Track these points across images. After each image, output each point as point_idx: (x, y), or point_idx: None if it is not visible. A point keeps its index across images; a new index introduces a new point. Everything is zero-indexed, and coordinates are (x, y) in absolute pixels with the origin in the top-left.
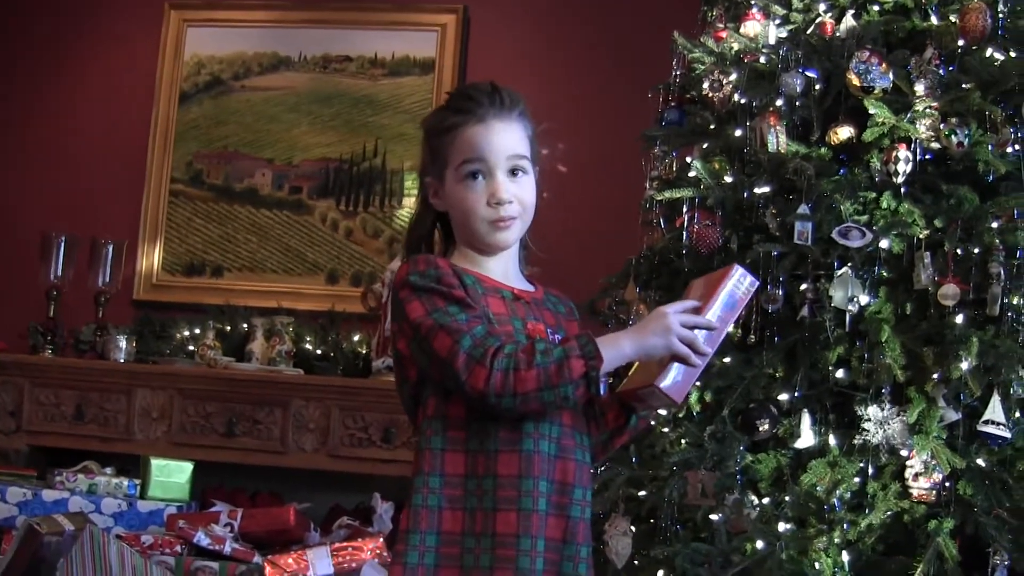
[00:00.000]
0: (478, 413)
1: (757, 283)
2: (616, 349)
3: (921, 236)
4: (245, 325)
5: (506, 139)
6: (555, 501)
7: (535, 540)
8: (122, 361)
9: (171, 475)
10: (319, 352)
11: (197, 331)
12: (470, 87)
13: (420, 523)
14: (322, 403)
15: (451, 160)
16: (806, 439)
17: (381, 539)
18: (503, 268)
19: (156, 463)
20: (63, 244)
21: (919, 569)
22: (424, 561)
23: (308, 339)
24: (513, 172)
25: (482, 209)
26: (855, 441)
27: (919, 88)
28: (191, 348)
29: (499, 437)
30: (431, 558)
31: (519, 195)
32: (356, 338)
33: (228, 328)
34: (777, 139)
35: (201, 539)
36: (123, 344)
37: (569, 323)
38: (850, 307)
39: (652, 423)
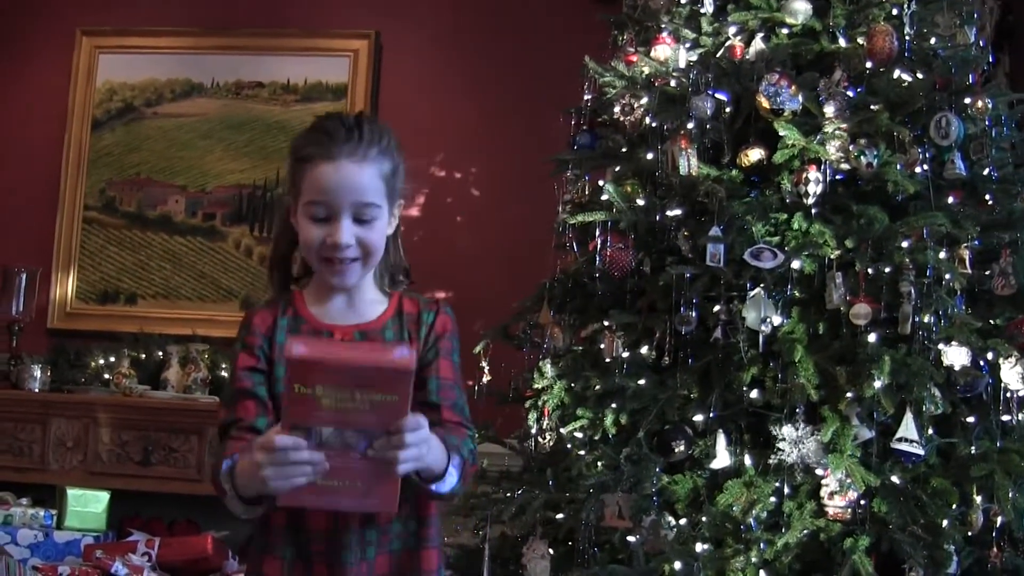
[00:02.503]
0: None
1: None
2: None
3: (832, 256)
4: (160, 353)
5: (354, 183)
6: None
7: None
8: (37, 391)
9: (87, 505)
10: None
11: (112, 359)
12: (332, 119)
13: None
14: None
15: (301, 193)
16: (722, 460)
17: None
18: (344, 302)
19: (72, 493)
20: None
21: None
22: None
23: (223, 366)
24: (358, 218)
25: (320, 248)
26: (770, 461)
27: (828, 110)
28: (106, 377)
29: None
30: None
31: (363, 238)
32: None
33: (143, 356)
34: (688, 162)
35: (119, 569)
36: (37, 373)
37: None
38: (763, 328)
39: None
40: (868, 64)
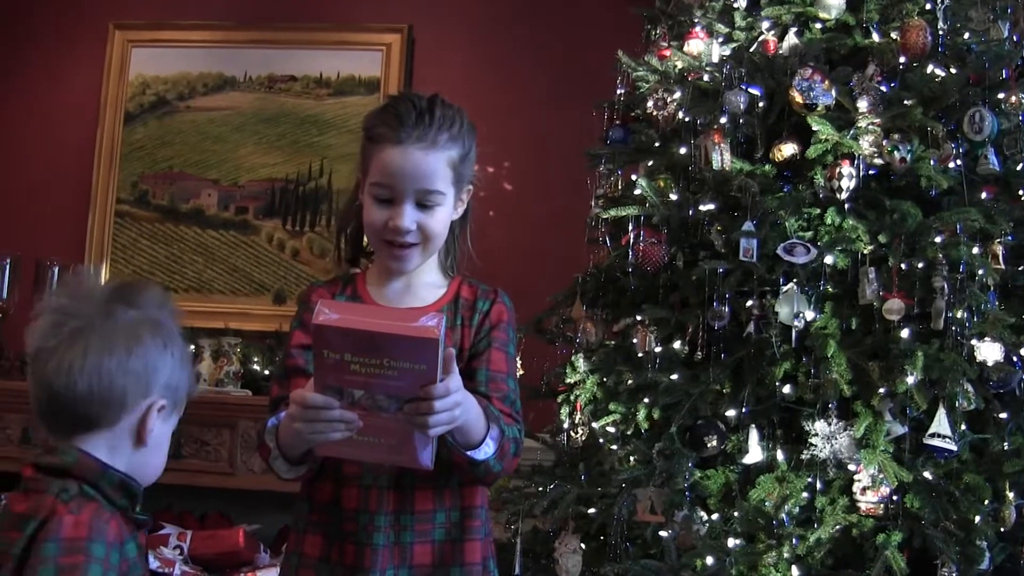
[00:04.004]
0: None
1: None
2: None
3: (865, 251)
4: (192, 346)
5: (420, 169)
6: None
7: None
8: None
9: None
10: (267, 372)
11: None
12: (404, 101)
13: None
14: None
15: (368, 172)
16: (754, 455)
17: None
18: (402, 285)
19: None
20: (8, 266)
21: None
22: None
23: (256, 360)
24: (421, 203)
25: (381, 230)
26: (803, 456)
27: (861, 105)
28: None
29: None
30: None
31: (424, 224)
32: None
33: None
34: (721, 157)
35: (150, 562)
36: None
37: (456, 331)
38: (796, 323)
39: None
40: (901, 59)
